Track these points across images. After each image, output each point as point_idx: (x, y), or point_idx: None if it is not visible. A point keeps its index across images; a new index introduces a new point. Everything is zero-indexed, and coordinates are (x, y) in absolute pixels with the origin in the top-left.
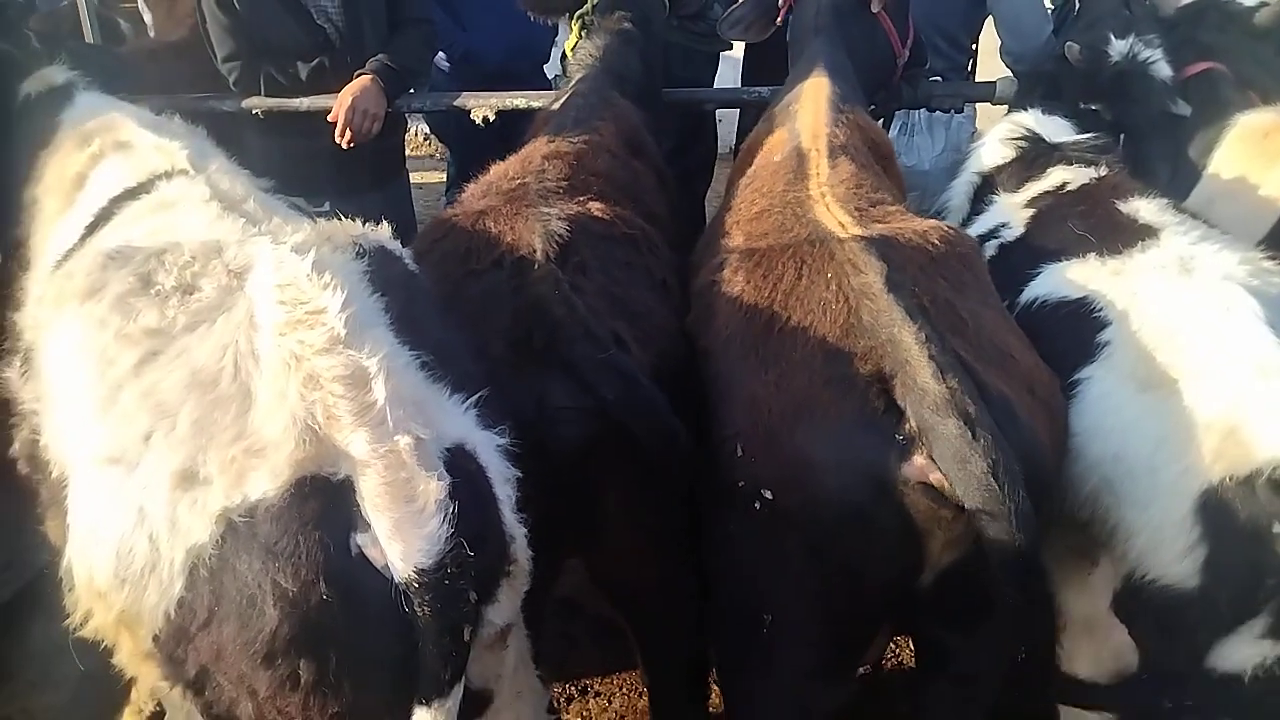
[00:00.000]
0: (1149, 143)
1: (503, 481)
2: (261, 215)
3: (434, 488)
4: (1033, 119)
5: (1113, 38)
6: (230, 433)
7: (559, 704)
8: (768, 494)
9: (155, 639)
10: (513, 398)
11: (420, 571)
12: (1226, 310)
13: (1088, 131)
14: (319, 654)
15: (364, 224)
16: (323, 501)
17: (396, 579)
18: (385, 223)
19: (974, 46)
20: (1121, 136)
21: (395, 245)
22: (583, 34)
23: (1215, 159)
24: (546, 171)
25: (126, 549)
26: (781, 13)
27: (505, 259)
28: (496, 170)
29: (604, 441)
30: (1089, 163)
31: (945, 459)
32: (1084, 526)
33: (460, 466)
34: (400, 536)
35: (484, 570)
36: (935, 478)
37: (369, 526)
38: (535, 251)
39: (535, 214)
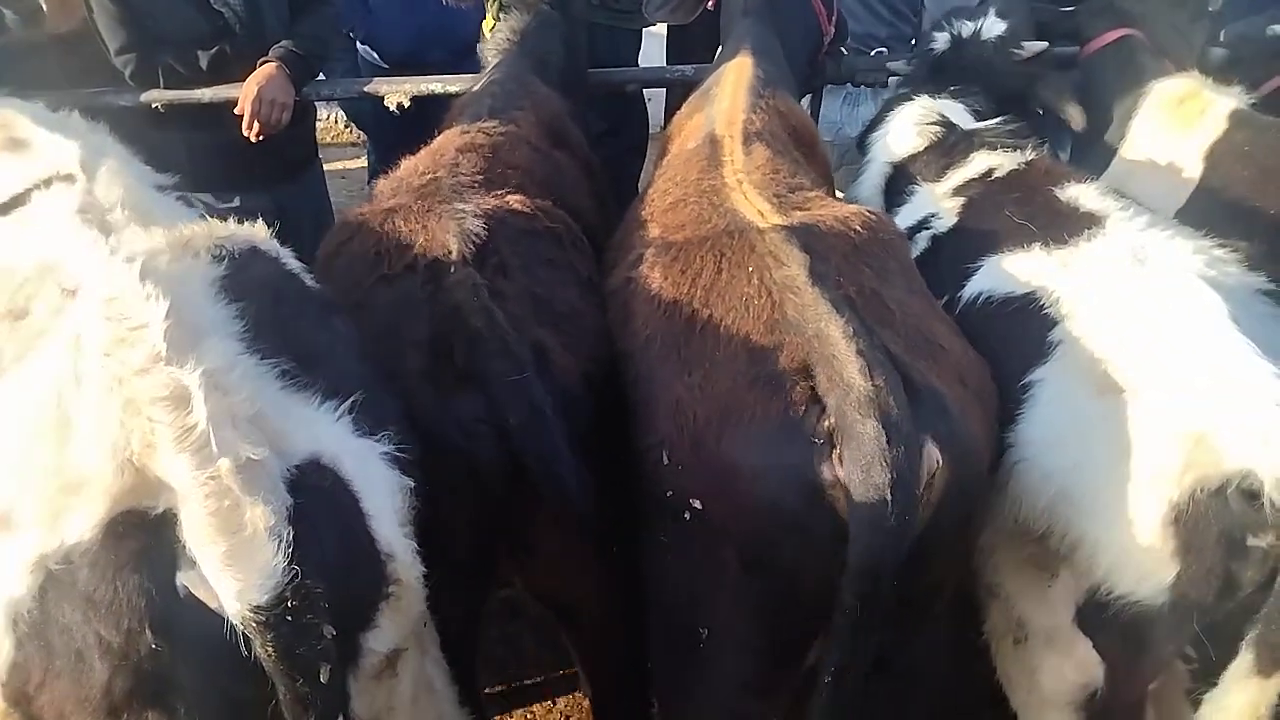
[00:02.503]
0: (1036, 93)
1: (384, 493)
2: (121, 223)
3: (261, 513)
4: (935, 103)
5: (935, 34)
6: (48, 469)
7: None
8: (696, 504)
9: (6, 697)
10: (433, 411)
11: (256, 609)
12: (1185, 304)
13: (975, 109)
14: (164, 705)
15: (243, 221)
16: (141, 540)
17: (231, 619)
18: (301, 217)
19: (918, 16)
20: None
21: (270, 244)
22: (500, 16)
23: (1133, 126)
24: (460, 165)
25: None
26: None
27: (418, 262)
28: (407, 165)
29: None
30: (1013, 147)
31: (851, 459)
32: (1041, 539)
33: (310, 484)
34: (229, 572)
35: (349, 596)
36: (843, 477)
37: (194, 563)
38: (451, 253)
39: (449, 211)
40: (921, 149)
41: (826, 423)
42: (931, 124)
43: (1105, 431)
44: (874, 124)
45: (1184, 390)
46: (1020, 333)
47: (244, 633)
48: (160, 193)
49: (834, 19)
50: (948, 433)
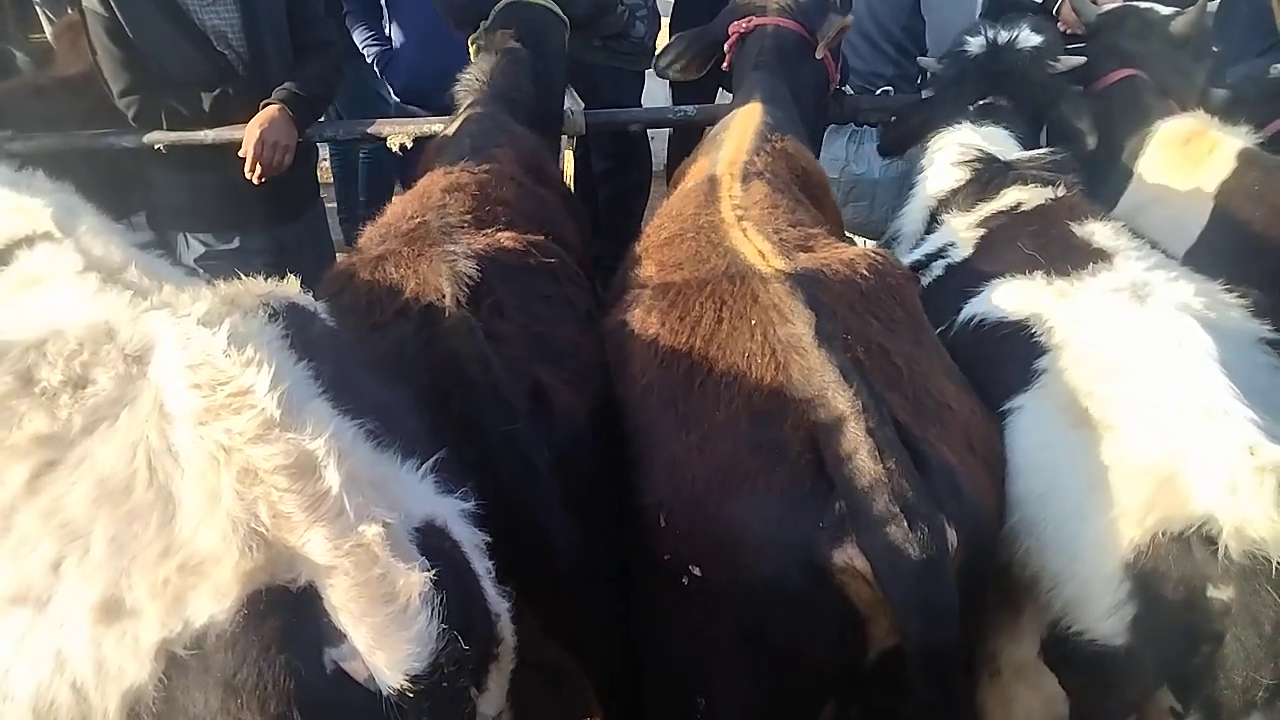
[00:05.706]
0: (1057, 107)
1: (478, 552)
2: (149, 284)
3: (415, 580)
4: (977, 135)
5: (968, 38)
6: (155, 548)
7: None
8: (695, 570)
9: None
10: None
11: (414, 679)
12: (1176, 344)
13: (1017, 132)
14: None
15: (268, 276)
16: (284, 617)
17: (386, 692)
18: (301, 257)
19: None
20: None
21: (308, 300)
22: (477, 56)
23: (1140, 165)
24: (448, 205)
25: (46, 703)
26: (728, 59)
27: (411, 308)
28: (393, 209)
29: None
30: (1046, 182)
31: (875, 548)
32: (1003, 569)
33: (434, 546)
34: (384, 643)
35: (476, 658)
36: (863, 566)
37: (344, 638)
38: (444, 297)
39: (440, 254)
40: (962, 184)
41: (836, 505)
42: (970, 161)
43: (1076, 464)
44: (905, 123)
45: (1159, 430)
46: (1006, 358)
47: (400, 705)
48: (141, 250)
49: (840, 66)
50: (960, 512)
